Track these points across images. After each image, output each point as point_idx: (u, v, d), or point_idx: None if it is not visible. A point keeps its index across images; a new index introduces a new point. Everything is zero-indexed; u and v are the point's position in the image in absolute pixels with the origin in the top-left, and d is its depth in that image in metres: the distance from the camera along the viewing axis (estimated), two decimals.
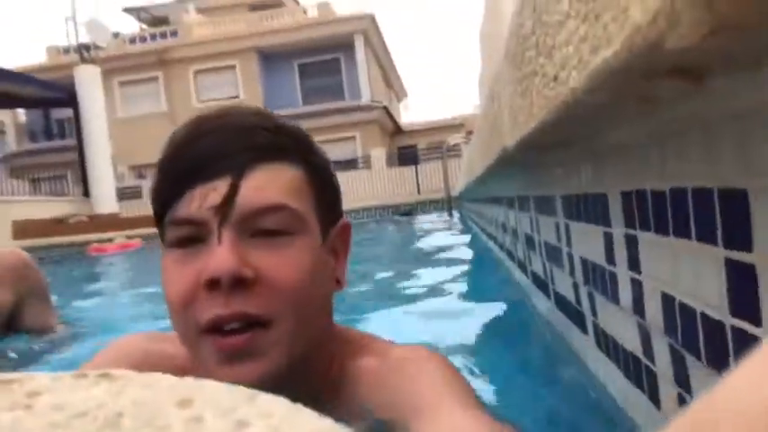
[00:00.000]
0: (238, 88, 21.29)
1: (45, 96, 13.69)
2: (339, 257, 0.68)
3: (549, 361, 1.32)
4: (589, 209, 0.91)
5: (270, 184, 0.58)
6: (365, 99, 21.12)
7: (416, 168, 16.72)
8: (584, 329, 1.06)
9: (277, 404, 0.18)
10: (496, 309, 1.81)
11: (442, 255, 3.76)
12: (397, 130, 25.27)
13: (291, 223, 0.58)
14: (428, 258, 3.91)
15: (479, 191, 3.65)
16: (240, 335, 0.54)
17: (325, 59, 21.94)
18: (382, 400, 0.62)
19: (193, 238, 0.57)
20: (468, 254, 3.79)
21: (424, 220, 8.89)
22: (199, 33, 21.87)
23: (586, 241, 0.95)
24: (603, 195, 0.81)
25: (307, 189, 0.61)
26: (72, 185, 14.84)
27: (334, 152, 20.88)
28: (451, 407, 0.54)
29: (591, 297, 0.98)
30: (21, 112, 21.56)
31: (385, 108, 21.76)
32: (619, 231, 0.75)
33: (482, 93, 3.94)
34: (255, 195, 0.56)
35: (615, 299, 0.80)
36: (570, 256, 1.09)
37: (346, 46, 21.45)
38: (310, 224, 0.60)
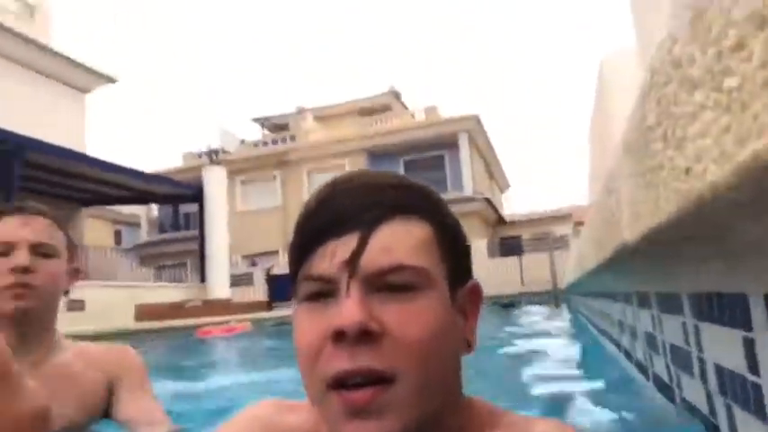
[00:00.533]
0: None
1: (176, 193, 15.21)
2: (468, 318, 0.66)
3: None
4: (724, 310, 0.82)
5: (397, 243, 0.58)
6: (467, 192, 21.39)
7: (520, 259, 16.30)
8: None
9: None
10: (612, 410, 1.65)
11: (550, 350, 3.54)
12: (500, 220, 25.09)
13: (418, 280, 0.58)
14: (534, 353, 3.70)
15: (591, 284, 3.47)
16: (364, 390, 0.54)
17: (430, 156, 22.82)
18: None
19: (324, 293, 0.58)
20: (577, 350, 3.55)
21: (528, 313, 8.52)
22: (313, 137, 23.82)
23: (721, 346, 0.86)
24: (742, 296, 0.73)
25: (434, 246, 0.61)
26: (191, 272, 15.98)
27: None
28: None
29: (729, 410, 0.87)
30: (154, 206, 24.02)
31: (487, 200, 21.87)
32: (764, 338, 0.67)
33: (592, 185, 3.84)
34: (382, 254, 0.57)
35: (761, 415, 0.70)
36: (702, 361, 0.98)
37: (451, 144, 22.23)
38: (437, 281, 0.60)
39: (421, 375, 0.56)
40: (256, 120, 27.89)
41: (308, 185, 22.58)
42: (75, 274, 1.44)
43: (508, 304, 11.05)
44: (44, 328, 1.40)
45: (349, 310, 0.54)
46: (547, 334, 4.86)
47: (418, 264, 0.58)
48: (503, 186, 31.61)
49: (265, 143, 24.81)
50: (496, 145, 26.05)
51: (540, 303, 10.09)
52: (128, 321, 10.14)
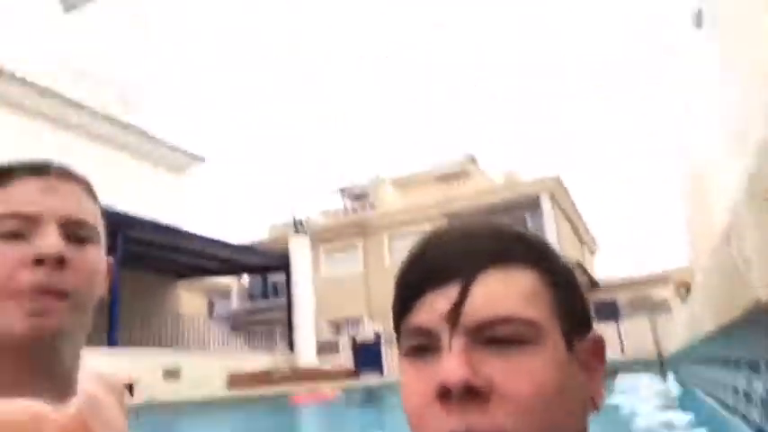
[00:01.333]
0: None
1: (264, 263, 15.81)
2: (592, 374, 0.59)
3: None
4: None
5: (500, 293, 0.55)
6: None
7: (617, 325, 15.31)
8: None
9: None
10: None
11: (661, 426, 3.23)
12: (592, 284, 23.93)
13: (527, 332, 0.53)
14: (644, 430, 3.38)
15: (707, 350, 3.17)
16: None
17: (511, 220, 22.50)
18: None
19: (426, 347, 0.55)
20: (691, 424, 3.21)
21: (631, 384, 7.88)
22: (393, 205, 24.31)
23: None
24: None
25: (544, 294, 0.56)
26: (279, 340, 16.29)
27: None
28: None
29: None
30: (244, 276, 25.03)
31: (578, 263, 21.03)
32: None
33: (693, 245, 3.60)
34: (485, 306, 0.54)
35: None
36: None
37: (532, 206, 21.86)
38: (550, 333, 0.55)
39: None
40: (337, 191, 28.99)
41: (388, 252, 22.79)
42: (111, 269, 0.92)
43: (608, 373, 10.29)
44: (75, 354, 0.85)
45: (451, 365, 0.51)
46: (656, 408, 4.45)
47: (526, 315, 0.54)
48: (592, 248, 30.36)
49: (346, 212, 25.61)
50: (582, 207, 25.34)
51: (643, 372, 9.35)
52: (221, 389, 10.39)
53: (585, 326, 0.60)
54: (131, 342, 11.35)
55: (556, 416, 0.53)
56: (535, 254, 0.59)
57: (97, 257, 0.84)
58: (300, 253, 14.69)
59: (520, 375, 0.52)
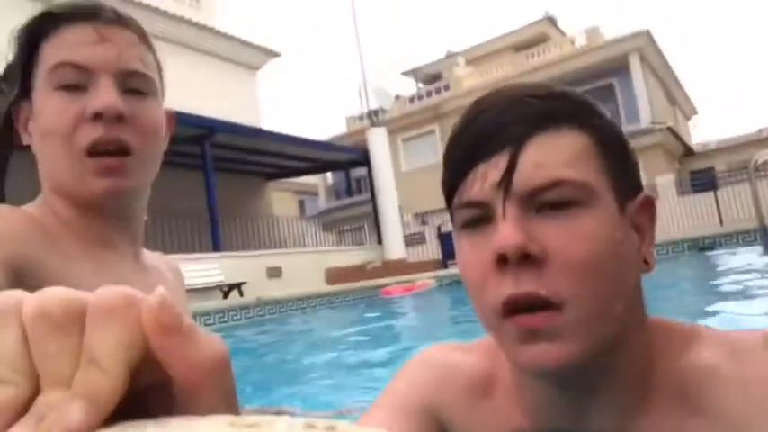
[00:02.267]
0: None
1: (346, 159, 16.07)
2: (644, 234, 0.59)
3: None
4: None
5: (549, 157, 0.54)
6: (645, 122, 19.39)
7: (715, 195, 14.50)
8: None
9: None
10: None
11: (763, 298, 3.14)
12: (688, 152, 22.48)
13: (578, 195, 0.53)
14: (744, 304, 3.30)
15: None
16: (534, 315, 0.51)
17: (597, 87, 20.96)
18: (741, 412, 0.51)
19: (481, 218, 0.56)
20: None
21: (731, 256, 7.61)
22: (468, 84, 23.18)
23: None
24: None
25: (593, 156, 0.55)
26: (368, 235, 16.92)
27: None
28: None
29: None
30: (328, 174, 25.66)
31: (669, 129, 19.59)
32: None
33: None
34: (535, 172, 0.53)
35: None
36: None
37: (620, 69, 20.16)
38: (601, 194, 0.54)
39: (591, 301, 0.52)
40: (406, 73, 27.91)
41: None
42: (171, 120, 0.89)
43: (706, 247, 9.96)
44: (143, 208, 0.88)
45: (505, 233, 0.51)
46: (758, 280, 4.30)
47: (577, 177, 0.53)
48: (688, 112, 28.13)
49: (420, 97, 24.67)
50: (676, 65, 23.16)
51: (745, 245, 8.95)
52: (320, 284, 11.13)
53: (637, 187, 0.60)
54: (233, 245, 12.18)
55: (610, 278, 0.53)
56: (584, 115, 0.57)
57: (157, 110, 0.82)
58: (379, 146, 14.70)
59: (574, 239, 0.52)
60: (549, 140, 0.54)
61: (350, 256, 13.38)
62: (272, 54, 17.35)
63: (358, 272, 11.76)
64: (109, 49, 0.76)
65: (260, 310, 7.88)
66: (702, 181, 16.55)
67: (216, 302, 8.62)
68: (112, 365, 0.20)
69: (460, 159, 0.58)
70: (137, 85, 0.78)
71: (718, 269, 6.73)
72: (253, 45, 16.61)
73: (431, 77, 26.76)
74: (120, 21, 0.80)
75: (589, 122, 0.57)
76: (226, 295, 10.24)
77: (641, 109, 19.60)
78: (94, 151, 0.74)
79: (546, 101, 0.56)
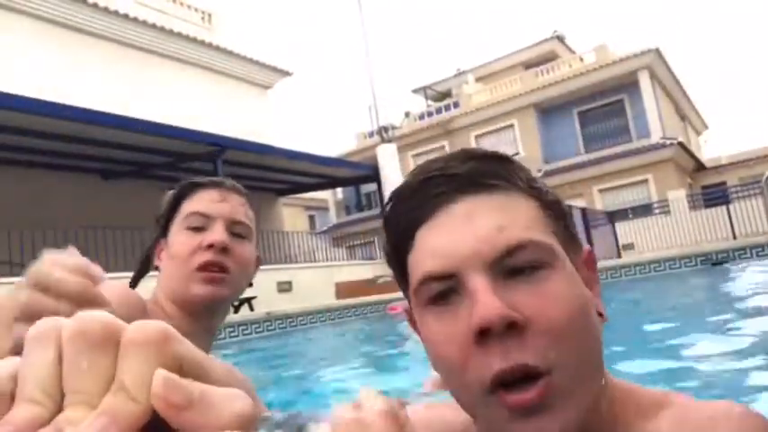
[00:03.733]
0: (517, 145, 21.75)
1: (356, 175, 16.15)
2: (593, 288, 0.59)
3: None
4: None
5: (508, 220, 0.52)
6: (655, 137, 19.35)
7: (728, 209, 14.39)
8: None
9: None
10: None
11: None
12: (699, 167, 22.35)
13: (543, 257, 0.51)
14: (760, 319, 3.28)
15: None
16: (529, 389, 0.48)
17: (607, 103, 20.99)
18: None
19: (447, 291, 0.52)
20: None
21: (745, 270, 7.53)
22: (477, 100, 23.31)
23: None
24: None
25: (544, 219, 0.55)
26: (378, 249, 16.93)
27: (624, 198, 19.52)
28: None
29: None
30: (339, 190, 25.80)
31: (680, 144, 19.52)
32: None
33: None
34: (499, 236, 0.51)
35: None
36: None
37: (630, 85, 20.20)
38: (560, 254, 0.53)
39: (577, 361, 0.50)
40: (417, 90, 28.10)
41: None
42: (259, 261, 1.23)
43: (719, 261, 9.87)
44: (222, 321, 1.20)
45: (487, 303, 0.48)
46: None
47: (541, 239, 0.52)
48: (699, 128, 28.03)
49: (430, 113, 24.84)
50: (685, 81, 23.14)
51: (758, 258, 8.86)
52: (329, 298, 11.13)
53: (578, 244, 0.59)
54: None
55: (588, 337, 0.51)
56: (528, 179, 0.57)
57: (250, 249, 1.17)
58: (389, 161, 14.77)
59: (549, 302, 0.50)
60: (503, 203, 0.53)
61: (360, 271, 13.38)
62: (284, 73, 17.59)
63: (368, 286, 11.75)
64: (225, 206, 1.14)
65: (270, 325, 7.89)
66: (714, 195, 16.44)
67: (226, 317, 8.64)
68: (141, 394, 0.20)
69: (406, 224, 0.55)
70: (240, 230, 1.14)
71: (732, 283, 6.67)
72: (265, 65, 16.85)
73: (440, 95, 26.93)
74: (235, 189, 1.18)
75: (535, 187, 0.57)
76: (236, 310, 10.26)
77: (651, 125, 19.57)
78: (203, 267, 1.06)
79: (488, 162, 0.55)
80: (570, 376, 0.49)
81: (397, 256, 0.57)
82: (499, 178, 0.54)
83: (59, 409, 0.21)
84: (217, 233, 1.09)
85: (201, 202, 1.13)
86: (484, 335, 0.49)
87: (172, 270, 1.09)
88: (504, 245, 0.51)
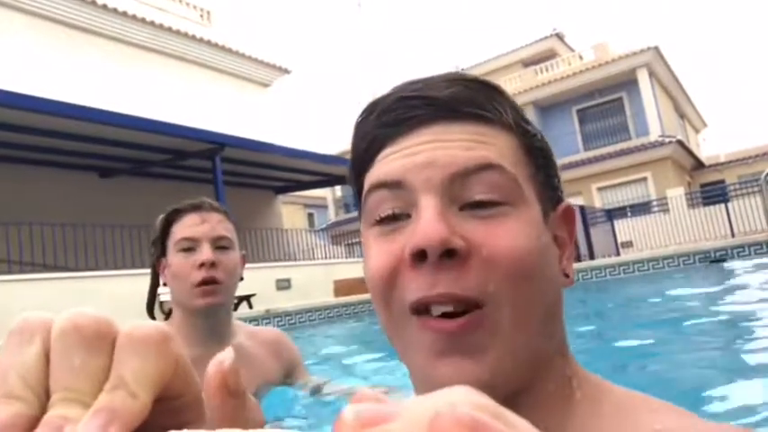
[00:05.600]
0: None
1: None
2: (564, 247, 0.54)
3: None
4: None
5: (480, 143, 0.48)
6: (654, 135, 19.35)
7: (726, 207, 14.40)
8: None
9: None
10: None
11: None
12: (698, 165, 22.36)
13: (507, 192, 0.47)
14: (760, 318, 3.28)
15: None
16: (452, 319, 0.44)
17: (606, 101, 20.97)
18: None
19: (396, 216, 0.49)
20: None
21: (744, 268, 7.53)
22: None
23: None
24: None
25: (522, 158, 0.50)
26: None
27: (623, 196, 19.54)
28: None
29: None
30: (337, 187, 25.80)
31: (679, 142, 19.53)
32: None
33: None
34: (463, 153, 0.47)
35: None
36: None
37: (629, 83, 20.19)
38: (528, 197, 0.49)
39: (516, 303, 0.45)
40: None
41: None
42: (243, 260, 1.50)
43: (717, 259, 9.87)
44: (228, 317, 1.48)
45: (429, 224, 0.44)
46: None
47: (509, 167, 0.48)
48: (697, 126, 28.03)
49: None
50: (684, 79, 23.14)
51: (757, 256, 8.87)
52: (328, 296, 11.13)
53: (558, 199, 0.55)
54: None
55: (535, 281, 0.47)
56: (516, 117, 0.53)
57: (235, 255, 1.45)
58: None
59: (500, 237, 0.46)
60: (480, 132, 0.49)
61: (359, 269, 13.28)
62: (283, 71, 17.57)
63: (363, 285, 11.74)
64: (206, 226, 1.40)
65: (269, 322, 7.89)
66: (713, 193, 16.45)
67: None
68: (142, 391, 0.20)
69: (370, 140, 0.52)
70: (223, 243, 1.41)
71: (730, 281, 6.67)
72: (264, 62, 16.83)
73: None
74: (213, 207, 1.43)
75: (522, 127, 0.53)
76: (235, 307, 10.26)
77: (650, 123, 19.57)
78: (200, 284, 1.36)
79: (474, 89, 0.51)
80: (507, 316, 0.45)
81: (358, 173, 0.54)
82: (482, 108, 0.50)
83: (43, 405, 0.20)
84: (204, 254, 1.36)
85: (185, 228, 1.39)
86: (419, 258, 0.45)
87: (176, 287, 1.40)
88: (463, 162, 0.47)
